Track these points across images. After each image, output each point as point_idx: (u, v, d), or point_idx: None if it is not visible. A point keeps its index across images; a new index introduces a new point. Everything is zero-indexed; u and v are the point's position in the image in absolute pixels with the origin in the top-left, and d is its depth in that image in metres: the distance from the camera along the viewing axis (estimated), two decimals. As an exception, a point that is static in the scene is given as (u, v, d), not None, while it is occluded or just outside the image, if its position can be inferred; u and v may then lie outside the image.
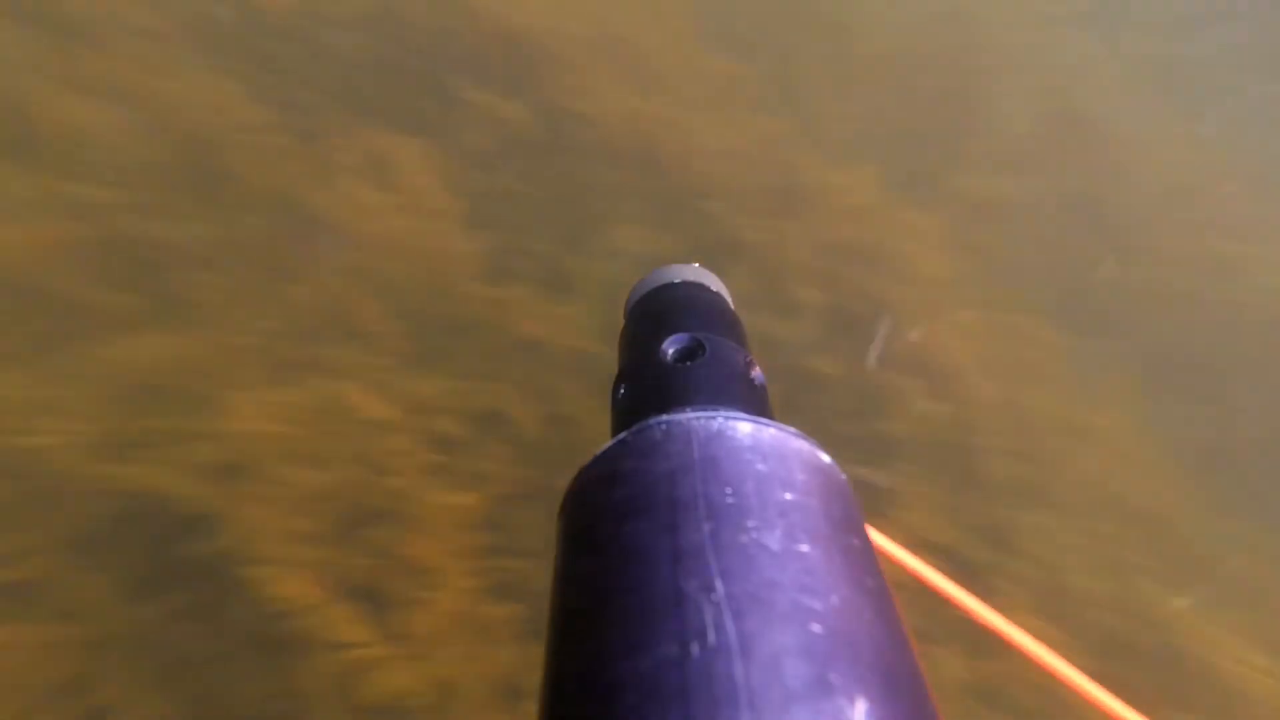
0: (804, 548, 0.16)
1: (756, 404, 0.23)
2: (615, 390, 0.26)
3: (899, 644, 0.15)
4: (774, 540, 0.16)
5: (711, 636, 0.14)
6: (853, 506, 0.19)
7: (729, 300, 0.32)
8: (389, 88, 0.91)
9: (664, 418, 0.19)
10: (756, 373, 0.25)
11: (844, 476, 0.20)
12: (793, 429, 0.20)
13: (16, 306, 0.64)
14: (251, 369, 0.67)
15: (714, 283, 0.32)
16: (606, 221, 0.89)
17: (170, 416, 0.61)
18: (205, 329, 0.69)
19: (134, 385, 0.62)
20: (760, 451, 0.18)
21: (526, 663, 0.59)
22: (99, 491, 0.57)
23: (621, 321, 0.33)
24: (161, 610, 0.54)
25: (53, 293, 0.66)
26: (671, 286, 0.31)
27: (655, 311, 0.29)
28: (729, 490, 0.17)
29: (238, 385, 0.65)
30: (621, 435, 0.20)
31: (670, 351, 0.25)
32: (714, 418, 0.19)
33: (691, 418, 0.19)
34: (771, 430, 0.19)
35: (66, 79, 0.78)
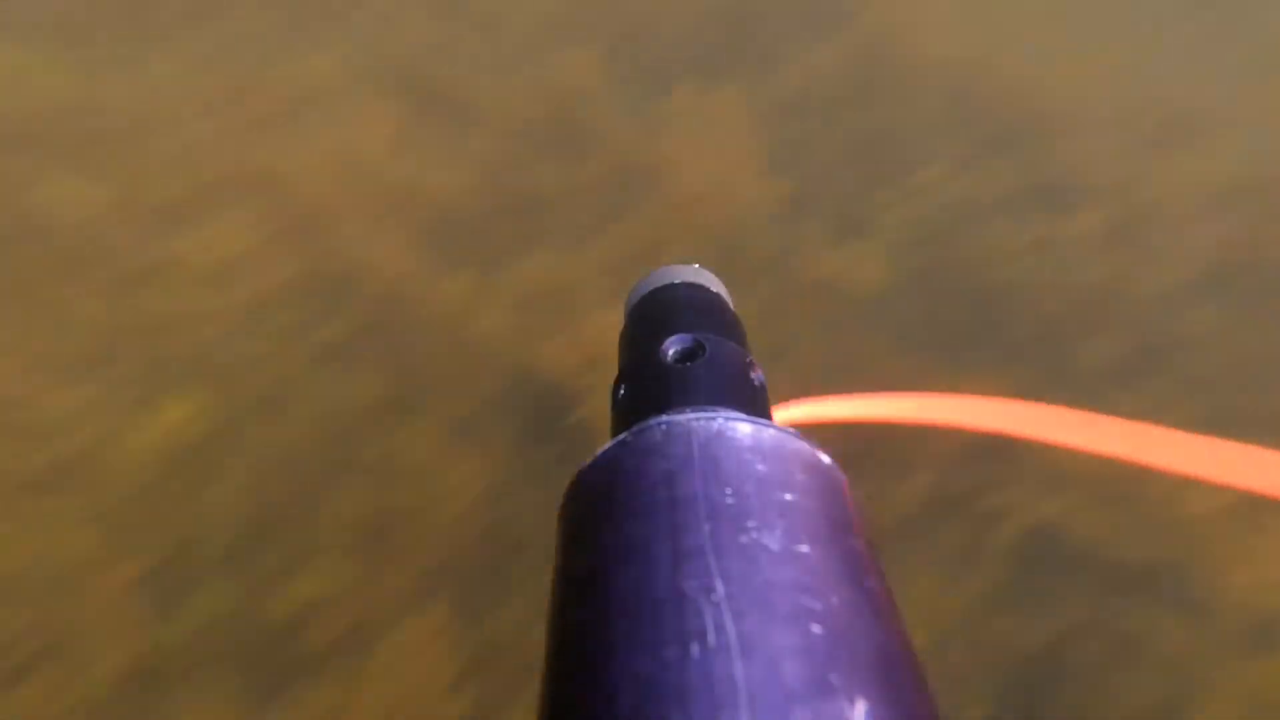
0: (804, 548, 0.16)
1: (757, 405, 0.24)
2: (615, 390, 0.26)
3: (899, 644, 0.16)
4: (774, 541, 0.16)
5: (711, 637, 0.14)
6: (852, 507, 0.19)
7: (729, 301, 0.33)
8: (713, 41, 1.01)
9: (664, 418, 0.20)
10: (757, 373, 0.25)
11: (844, 477, 0.20)
12: (792, 430, 0.20)
13: (487, 230, 0.89)
14: (595, 290, 0.85)
15: (714, 283, 0.33)
16: (915, 162, 0.89)
17: (539, 316, 0.82)
18: (564, 255, 0.89)
19: (527, 294, 0.84)
20: (760, 452, 0.18)
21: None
22: (510, 366, 0.80)
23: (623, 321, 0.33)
24: (556, 454, 0.76)
25: (471, 221, 0.90)
26: (671, 287, 0.31)
27: (655, 312, 0.30)
28: (729, 491, 0.17)
29: (589, 302, 0.84)
30: (622, 435, 0.20)
31: (670, 352, 0.26)
32: (714, 418, 0.19)
33: (691, 418, 0.19)
34: (771, 431, 0.19)
35: (475, 59, 1.02)
